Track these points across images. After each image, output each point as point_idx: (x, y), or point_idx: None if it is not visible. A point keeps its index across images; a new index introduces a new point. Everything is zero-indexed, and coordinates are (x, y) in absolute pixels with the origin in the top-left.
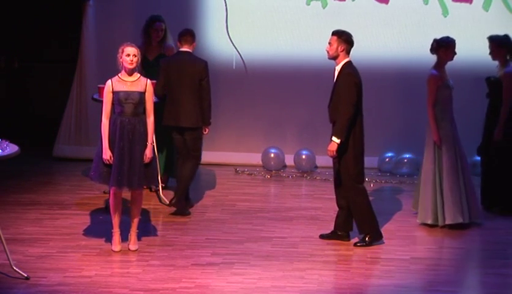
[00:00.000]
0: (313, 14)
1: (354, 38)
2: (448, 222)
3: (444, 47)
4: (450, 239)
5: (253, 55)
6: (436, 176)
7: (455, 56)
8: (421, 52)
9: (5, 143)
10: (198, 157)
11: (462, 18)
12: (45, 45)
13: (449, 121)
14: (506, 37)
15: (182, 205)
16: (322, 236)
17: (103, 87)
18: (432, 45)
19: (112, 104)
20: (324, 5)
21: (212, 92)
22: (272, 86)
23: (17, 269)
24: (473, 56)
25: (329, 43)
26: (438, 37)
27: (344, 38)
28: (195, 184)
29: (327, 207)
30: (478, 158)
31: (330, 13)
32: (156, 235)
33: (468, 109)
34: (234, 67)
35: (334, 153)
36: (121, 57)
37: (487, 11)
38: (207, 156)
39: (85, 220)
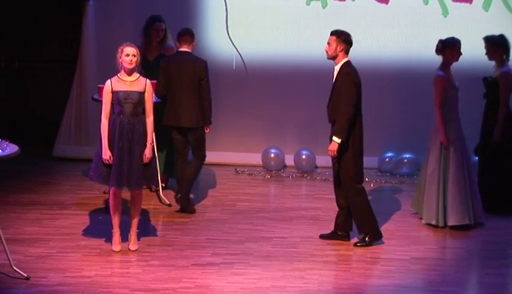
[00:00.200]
0: (313, 14)
1: (354, 38)
2: (453, 223)
3: (449, 48)
4: (450, 239)
5: (253, 55)
6: (440, 177)
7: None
8: (421, 52)
9: (5, 143)
10: (203, 156)
11: (462, 18)
12: (45, 45)
13: (456, 122)
14: (501, 36)
15: (187, 203)
16: (322, 236)
17: (103, 87)
18: (437, 45)
19: (112, 104)
20: (324, 5)
21: (212, 92)
22: (272, 86)
23: (17, 269)
24: (473, 56)
25: (328, 43)
26: (438, 37)
27: (343, 38)
28: (195, 184)
29: (328, 208)
30: (476, 158)
31: (330, 13)
32: (156, 235)
33: (465, 110)
34: (234, 67)
35: (335, 153)
36: (120, 57)
37: (487, 11)
38: (207, 156)
39: (85, 220)
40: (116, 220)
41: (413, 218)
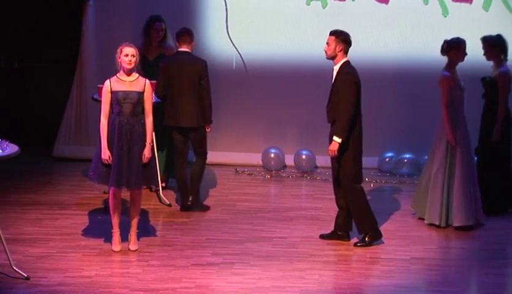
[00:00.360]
0: (313, 14)
1: (354, 38)
2: (459, 223)
3: (455, 48)
4: (450, 239)
5: (253, 55)
6: (445, 177)
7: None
8: (421, 52)
9: (5, 143)
10: (204, 153)
11: (462, 18)
12: (45, 45)
13: (462, 122)
14: (499, 36)
15: (199, 202)
16: (322, 236)
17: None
18: (443, 46)
19: (111, 104)
20: (324, 5)
21: (212, 92)
22: (272, 86)
23: (17, 269)
24: (473, 56)
25: (327, 43)
26: (438, 37)
27: (342, 38)
28: None
29: (327, 208)
30: (475, 158)
31: (330, 13)
32: (156, 235)
33: (465, 110)
34: (234, 67)
35: (336, 153)
36: (119, 58)
37: (487, 11)
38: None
39: (85, 220)
40: (115, 220)
41: (413, 218)
